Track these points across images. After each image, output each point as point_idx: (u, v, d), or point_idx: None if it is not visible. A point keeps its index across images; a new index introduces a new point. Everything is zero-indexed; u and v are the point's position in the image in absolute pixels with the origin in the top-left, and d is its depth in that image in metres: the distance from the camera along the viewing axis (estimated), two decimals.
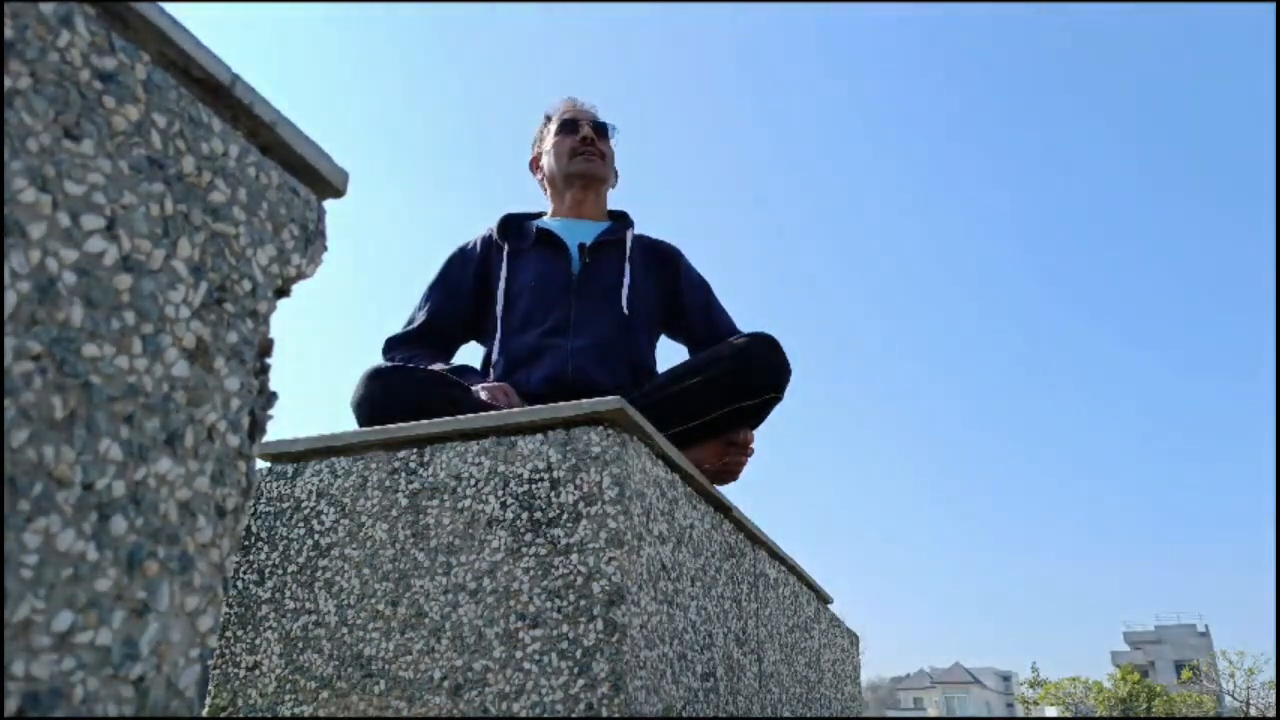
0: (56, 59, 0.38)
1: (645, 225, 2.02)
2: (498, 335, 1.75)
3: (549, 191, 1.99)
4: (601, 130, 1.97)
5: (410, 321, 1.82)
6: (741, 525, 1.27)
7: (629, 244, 1.88)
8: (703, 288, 1.95)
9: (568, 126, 1.95)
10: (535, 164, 2.04)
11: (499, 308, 1.77)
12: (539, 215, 1.98)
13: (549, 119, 2.01)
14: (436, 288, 1.85)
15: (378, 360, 1.67)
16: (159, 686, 0.40)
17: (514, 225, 1.91)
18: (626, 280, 1.79)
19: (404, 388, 1.42)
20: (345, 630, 0.95)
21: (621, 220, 1.97)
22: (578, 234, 1.87)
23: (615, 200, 2.03)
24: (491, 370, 1.73)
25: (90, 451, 0.38)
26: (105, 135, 0.41)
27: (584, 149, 1.92)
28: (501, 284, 1.80)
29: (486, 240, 1.90)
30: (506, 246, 1.85)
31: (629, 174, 2.16)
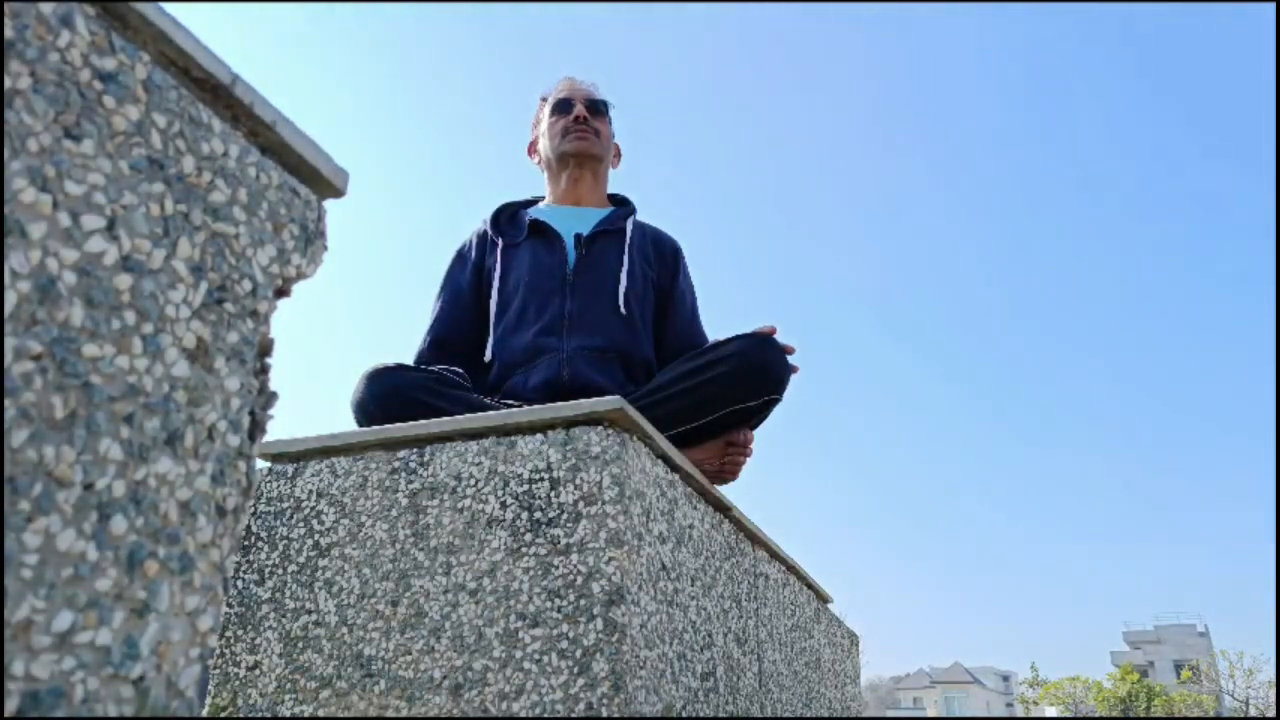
0: (56, 59, 0.38)
1: (650, 215, 1.96)
2: (494, 335, 1.71)
3: (546, 175, 1.92)
4: (597, 108, 1.89)
5: (424, 338, 1.77)
6: (741, 525, 1.27)
7: (629, 233, 1.80)
8: (692, 297, 1.90)
9: (562, 106, 1.87)
10: (533, 148, 1.97)
11: (493, 306, 1.73)
12: (536, 201, 1.91)
13: (545, 100, 1.94)
14: (440, 298, 1.81)
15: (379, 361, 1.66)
16: (159, 686, 0.40)
17: (507, 217, 1.85)
18: (624, 275, 1.73)
19: (403, 388, 1.42)
20: (345, 630, 0.95)
21: (622, 206, 1.89)
22: (574, 224, 1.79)
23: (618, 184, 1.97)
24: (488, 372, 1.70)
25: (90, 451, 0.38)
26: (105, 135, 0.41)
27: (577, 128, 1.84)
28: (495, 281, 1.74)
29: (481, 236, 1.84)
30: (501, 241, 1.79)
31: (633, 160, 2.14)
